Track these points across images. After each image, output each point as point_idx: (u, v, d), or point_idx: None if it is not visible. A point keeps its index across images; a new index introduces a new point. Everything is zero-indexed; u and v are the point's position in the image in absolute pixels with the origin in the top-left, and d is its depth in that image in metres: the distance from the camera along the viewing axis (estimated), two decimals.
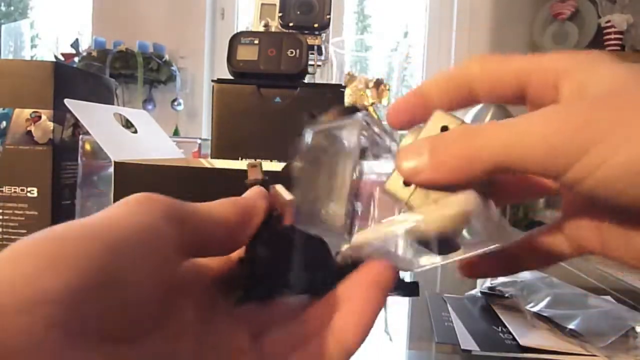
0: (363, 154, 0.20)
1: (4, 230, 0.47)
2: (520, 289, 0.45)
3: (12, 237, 0.47)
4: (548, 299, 0.42)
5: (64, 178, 0.49)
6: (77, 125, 0.50)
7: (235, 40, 0.56)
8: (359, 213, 0.20)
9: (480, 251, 0.18)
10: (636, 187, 0.14)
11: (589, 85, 0.16)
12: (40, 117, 0.47)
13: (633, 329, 0.37)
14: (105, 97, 0.57)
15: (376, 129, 0.20)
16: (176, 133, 1.98)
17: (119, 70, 1.94)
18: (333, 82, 0.82)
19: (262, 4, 0.70)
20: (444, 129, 0.18)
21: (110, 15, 2.17)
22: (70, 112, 0.36)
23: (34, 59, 2.30)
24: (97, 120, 0.36)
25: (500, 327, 0.39)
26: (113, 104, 0.60)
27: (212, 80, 0.55)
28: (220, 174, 0.32)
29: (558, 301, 0.41)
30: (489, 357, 0.34)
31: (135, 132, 0.42)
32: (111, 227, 0.15)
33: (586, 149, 0.15)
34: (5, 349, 0.11)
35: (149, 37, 2.06)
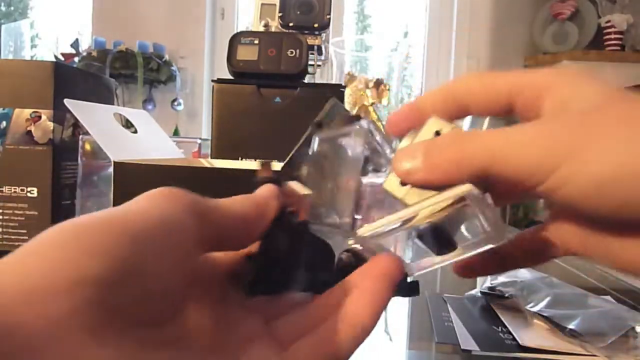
0: (367, 160, 0.21)
1: (4, 230, 0.47)
2: (520, 289, 0.45)
3: (12, 237, 0.47)
4: (548, 299, 0.42)
5: (64, 178, 0.49)
6: (77, 125, 0.50)
7: (235, 40, 0.56)
8: (363, 214, 0.21)
9: (477, 250, 0.19)
10: (603, 198, 0.16)
11: (569, 102, 0.18)
12: (40, 117, 0.47)
13: (633, 329, 0.37)
14: (105, 97, 0.57)
15: (378, 137, 0.21)
16: (176, 133, 1.98)
17: (119, 70, 1.94)
18: (333, 82, 0.82)
19: (262, 4, 0.70)
20: (438, 133, 0.19)
21: (110, 15, 2.17)
22: (70, 112, 0.36)
23: (34, 59, 2.30)
24: (97, 120, 0.36)
25: (500, 327, 0.39)
26: (113, 104, 0.60)
27: (212, 80, 0.55)
28: (220, 174, 0.32)
29: (558, 301, 0.41)
30: (489, 357, 0.34)
31: (135, 132, 0.42)
32: (138, 220, 0.15)
33: (559, 163, 0.16)
34: (48, 325, 0.12)
35: (149, 37, 2.06)
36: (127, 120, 0.44)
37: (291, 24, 0.63)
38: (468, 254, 0.19)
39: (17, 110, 0.47)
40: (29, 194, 0.46)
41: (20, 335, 0.12)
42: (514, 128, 0.17)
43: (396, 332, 0.40)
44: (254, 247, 0.21)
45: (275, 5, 0.65)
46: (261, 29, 0.68)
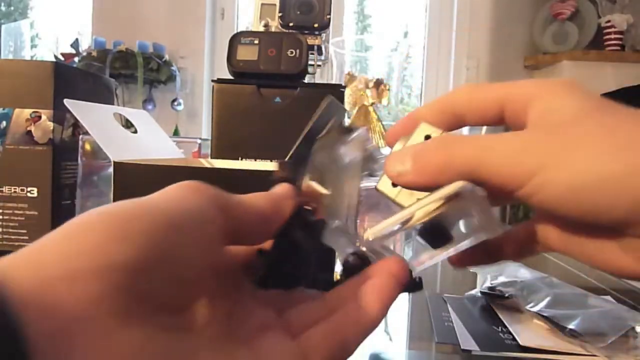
0: (366, 165, 0.22)
1: (4, 230, 0.47)
2: (520, 289, 0.45)
3: (12, 237, 0.47)
4: (548, 299, 0.42)
5: (64, 178, 0.49)
6: (77, 125, 0.50)
7: (235, 40, 0.56)
8: (361, 216, 0.22)
9: (473, 243, 0.20)
10: (574, 204, 0.18)
11: (551, 112, 0.19)
12: (40, 117, 0.47)
13: (633, 329, 0.37)
14: (105, 97, 0.57)
15: (372, 144, 0.23)
16: (176, 133, 1.98)
17: (119, 70, 1.94)
18: (333, 82, 0.81)
19: (262, 4, 0.70)
20: (427, 137, 0.20)
21: (110, 15, 2.17)
22: (70, 112, 0.36)
23: (34, 59, 2.30)
24: (96, 120, 0.36)
25: (500, 327, 0.39)
26: (113, 104, 0.60)
27: (212, 80, 0.55)
28: (220, 174, 0.32)
29: (558, 301, 0.41)
30: (489, 357, 0.34)
31: (135, 132, 0.42)
32: (167, 209, 0.16)
33: (535, 171, 0.18)
34: (77, 308, 0.13)
35: (149, 37, 2.06)
36: (127, 120, 0.44)
37: (291, 24, 0.63)
38: (464, 247, 0.20)
39: (17, 110, 0.47)
40: (29, 194, 0.46)
41: (60, 316, 0.12)
42: (497, 136, 0.19)
43: (396, 332, 0.40)
44: (266, 243, 0.21)
45: (275, 5, 0.65)
46: (261, 29, 0.68)
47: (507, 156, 0.18)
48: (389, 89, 0.75)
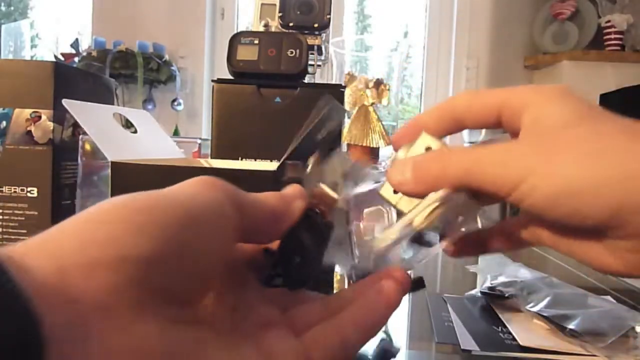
0: (349, 180, 0.24)
1: (4, 230, 0.47)
2: (520, 289, 0.45)
3: (12, 237, 0.47)
4: (548, 299, 0.42)
5: (64, 178, 0.49)
6: (77, 125, 0.50)
7: (235, 40, 0.56)
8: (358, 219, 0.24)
9: (457, 235, 0.23)
10: (558, 208, 0.19)
11: (542, 119, 0.21)
12: (40, 117, 0.47)
13: (633, 329, 0.37)
14: (105, 97, 0.57)
15: (350, 163, 0.24)
16: (176, 133, 1.98)
17: (119, 70, 1.94)
18: (333, 82, 0.81)
19: (262, 4, 0.70)
20: (428, 149, 0.22)
21: (110, 15, 2.17)
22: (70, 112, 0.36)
23: (34, 59, 2.30)
24: (94, 120, 0.36)
25: (500, 327, 0.39)
26: (113, 104, 0.60)
27: (212, 80, 0.55)
28: (219, 174, 0.32)
29: (558, 301, 0.41)
30: (489, 357, 0.34)
31: (135, 132, 0.42)
32: (185, 203, 0.16)
33: (522, 179, 0.19)
34: (95, 299, 0.13)
35: (149, 37, 2.06)
36: (127, 120, 0.44)
37: (291, 24, 0.63)
38: (451, 241, 0.23)
39: (17, 110, 0.47)
40: (29, 194, 0.46)
41: (77, 307, 0.13)
42: (487, 148, 0.20)
43: (396, 332, 0.40)
44: (274, 243, 0.22)
45: (275, 5, 0.65)
46: (261, 29, 0.68)
47: (495, 166, 0.20)
48: (389, 89, 0.75)
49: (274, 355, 0.18)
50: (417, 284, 0.22)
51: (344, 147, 0.73)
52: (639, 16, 1.92)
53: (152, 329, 0.14)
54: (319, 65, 0.66)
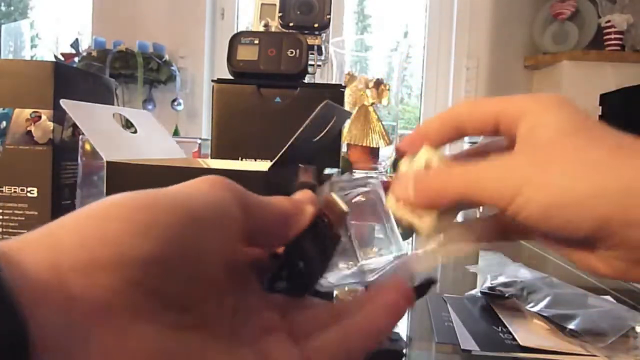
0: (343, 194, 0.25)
1: (4, 230, 0.47)
2: (520, 289, 0.45)
3: (12, 237, 0.46)
4: (548, 299, 0.42)
5: (64, 178, 0.49)
6: (77, 125, 0.50)
7: (235, 40, 0.56)
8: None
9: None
10: (550, 220, 0.19)
11: (538, 128, 0.21)
12: (40, 117, 0.47)
13: (633, 329, 0.37)
14: (105, 97, 0.57)
15: (344, 178, 0.24)
16: (176, 133, 1.98)
17: (119, 70, 1.94)
18: (333, 82, 0.81)
19: (262, 4, 0.70)
20: (429, 162, 0.24)
21: (110, 15, 2.17)
22: None
23: (34, 59, 2.30)
24: (92, 120, 0.36)
25: (500, 327, 0.39)
26: (113, 104, 0.60)
27: (212, 80, 0.55)
28: (217, 175, 0.32)
29: (558, 301, 0.41)
30: (489, 357, 0.34)
31: (135, 132, 0.42)
32: (188, 203, 0.16)
33: (517, 192, 0.20)
34: (89, 299, 0.13)
35: (149, 37, 2.06)
36: (127, 121, 0.44)
37: (291, 24, 0.63)
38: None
39: (17, 110, 0.47)
40: (29, 194, 0.46)
41: (76, 309, 0.12)
42: (484, 164, 0.21)
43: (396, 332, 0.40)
44: (279, 249, 0.22)
45: (275, 5, 0.65)
46: (261, 29, 0.68)
47: (493, 181, 0.21)
48: (389, 89, 0.75)
49: None
50: (425, 286, 0.22)
51: (344, 147, 0.73)
52: (639, 16, 1.92)
53: (151, 332, 0.14)
54: (319, 65, 0.66)
